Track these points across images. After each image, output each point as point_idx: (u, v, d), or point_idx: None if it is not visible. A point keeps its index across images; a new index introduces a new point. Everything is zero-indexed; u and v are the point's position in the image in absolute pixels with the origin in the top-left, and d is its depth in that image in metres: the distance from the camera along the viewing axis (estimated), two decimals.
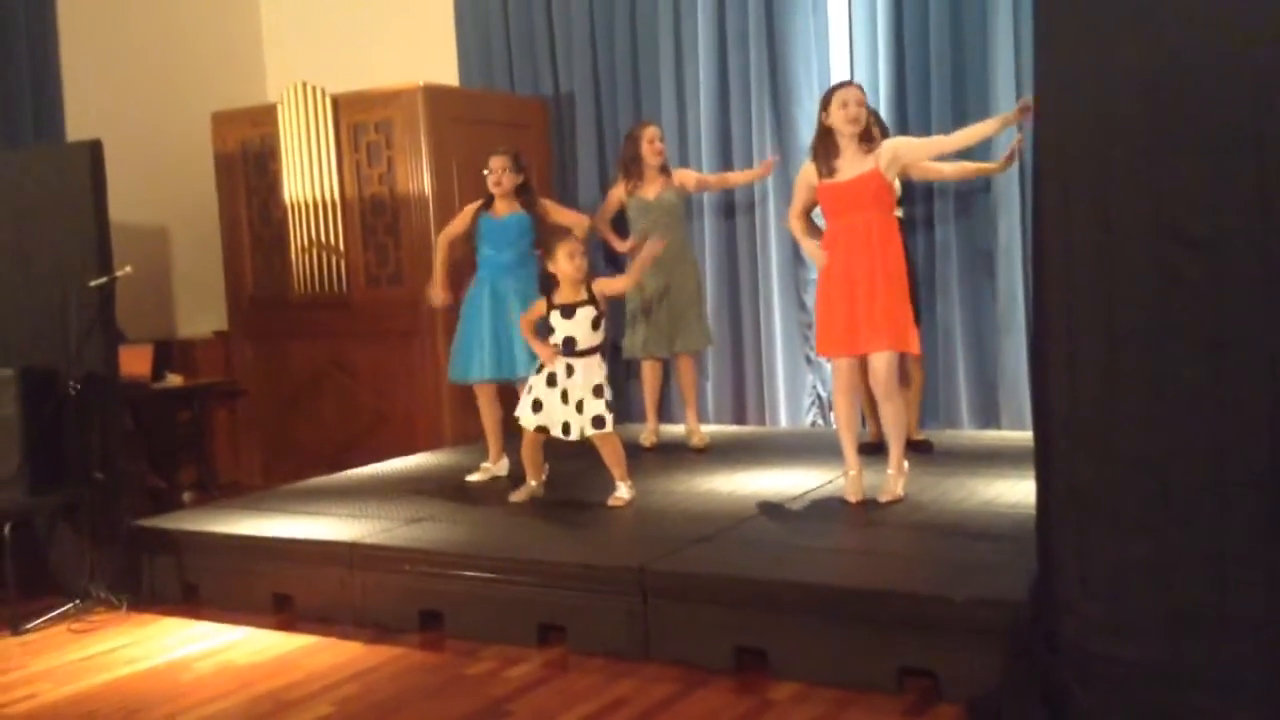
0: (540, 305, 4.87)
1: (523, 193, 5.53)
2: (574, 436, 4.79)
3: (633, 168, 5.95)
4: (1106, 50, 2.94)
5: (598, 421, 4.72)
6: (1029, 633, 3.19)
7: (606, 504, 4.84)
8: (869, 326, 4.47)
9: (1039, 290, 3.14)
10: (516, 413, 4.93)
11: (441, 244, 5.76)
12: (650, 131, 5.96)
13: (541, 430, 4.85)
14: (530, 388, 4.87)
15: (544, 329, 4.84)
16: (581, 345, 4.75)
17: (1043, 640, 3.12)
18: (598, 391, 4.73)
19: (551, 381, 4.78)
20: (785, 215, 6.59)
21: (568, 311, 4.76)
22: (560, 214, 5.64)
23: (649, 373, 6.15)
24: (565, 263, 4.74)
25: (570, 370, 4.76)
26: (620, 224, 6.15)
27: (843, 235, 4.55)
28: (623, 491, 4.87)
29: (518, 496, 5.07)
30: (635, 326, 6.01)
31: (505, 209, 5.52)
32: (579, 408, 4.74)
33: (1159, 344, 2.90)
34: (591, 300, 4.76)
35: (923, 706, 3.41)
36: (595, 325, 4.76)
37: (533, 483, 5.07)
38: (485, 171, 5.52)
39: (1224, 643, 2.85)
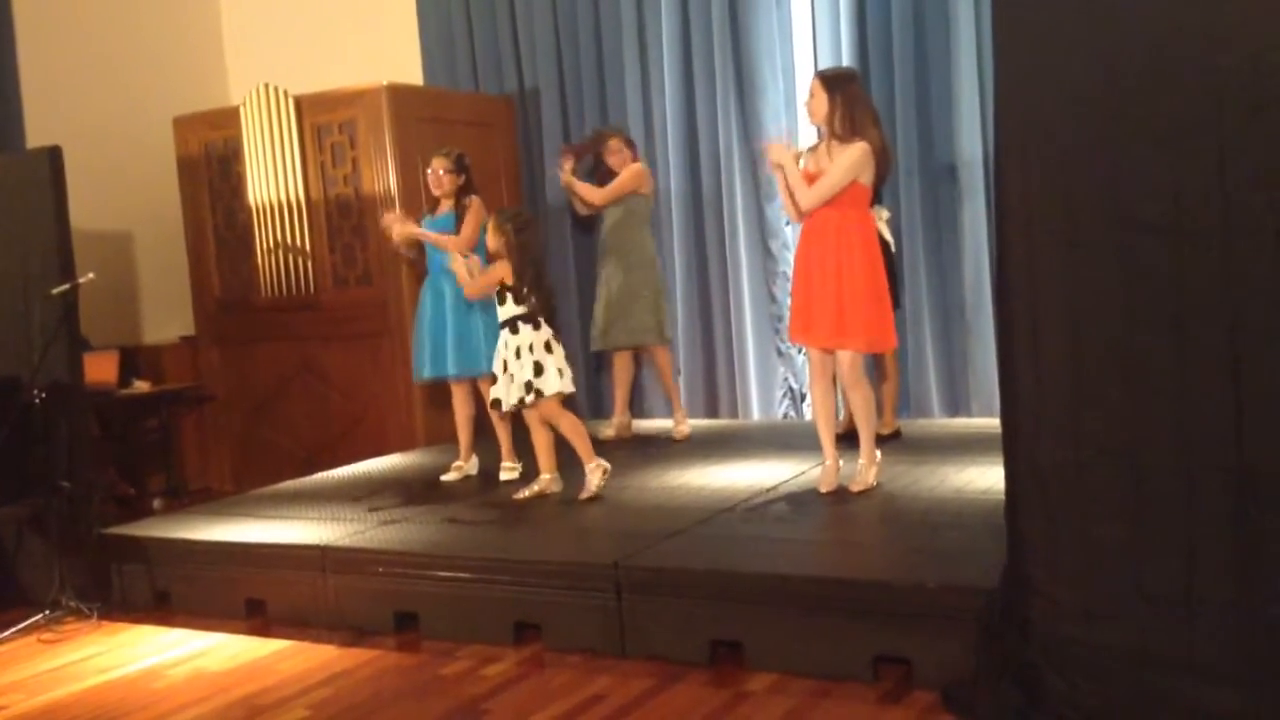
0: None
1: (462, 192, 5.55)
2: (507, 407, 4.98)
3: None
4: (1067, 39, 2.96)
5: (525, 386, 4.86)
6: (1001, 618, 3.22)
7: (579, 498, 4.85)
8: (820, 321, 4.49)
9: (1002, 277, 3.15)
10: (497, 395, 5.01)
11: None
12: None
13: (494, 405, 5.04)
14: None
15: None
16: (501, 317, 4.96)
17: (1014, 625, 3.14)
18: (535, 364, 4.88)
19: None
20: (752, 207, 6.66)
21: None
22: (465, 223, 5.52)
23: (615, 364, 6.20)
24: (490, 237, 4.94)
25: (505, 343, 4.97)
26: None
27: (811, 227, 4.55)
28: (593, 479, 4.89)
29: (527, 492, 5.04)
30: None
31: (444, 208, 5.58)
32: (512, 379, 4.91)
33: (1122, 329, 2.93)
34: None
35: (898, 694, 3.43)
36: (499, 299, 4.92)
37: (547, 476, 5.05)
38: (427, 171, 5.60)
39: (1194, 624, 2.88)
